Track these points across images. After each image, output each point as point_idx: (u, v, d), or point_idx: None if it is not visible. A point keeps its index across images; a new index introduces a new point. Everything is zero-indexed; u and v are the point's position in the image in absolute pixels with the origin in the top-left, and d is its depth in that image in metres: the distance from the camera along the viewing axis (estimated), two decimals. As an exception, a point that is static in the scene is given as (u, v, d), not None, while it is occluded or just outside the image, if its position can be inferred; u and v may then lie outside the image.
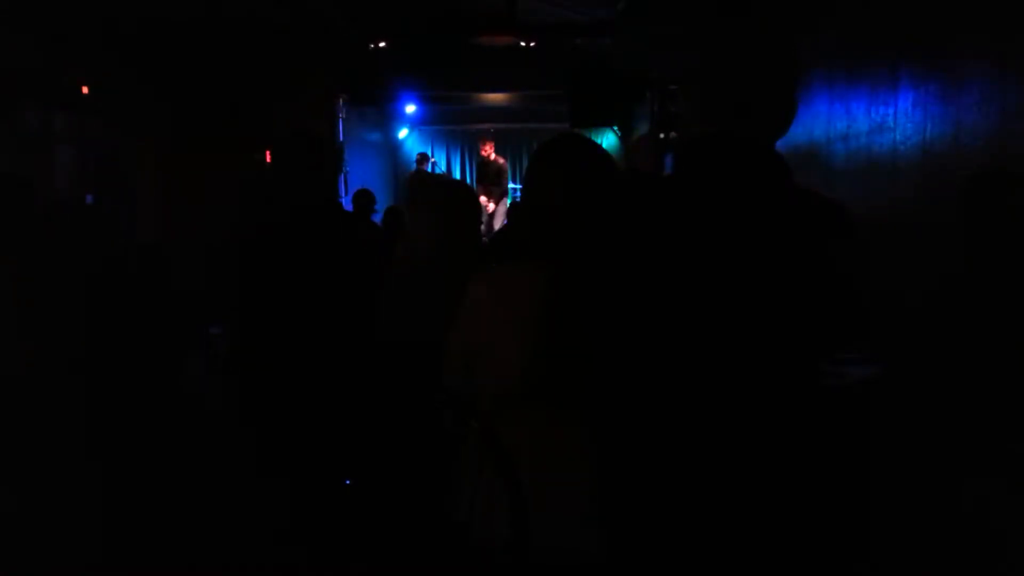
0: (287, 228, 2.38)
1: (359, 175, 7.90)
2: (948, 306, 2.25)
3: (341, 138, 7.53)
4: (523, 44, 7.34)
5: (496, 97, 8.61)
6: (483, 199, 8.20)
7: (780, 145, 1.29)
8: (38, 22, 3.20)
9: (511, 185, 8.84)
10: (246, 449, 2.31)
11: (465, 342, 1.55)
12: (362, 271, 2.36)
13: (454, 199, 2.22)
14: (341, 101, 7.49)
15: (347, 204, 6.31)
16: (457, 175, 10.51)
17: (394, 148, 10.15)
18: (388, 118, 9.48)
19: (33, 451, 2.40)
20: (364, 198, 6.13)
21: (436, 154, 10.26)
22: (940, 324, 2.26)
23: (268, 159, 5.78)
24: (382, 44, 7.23)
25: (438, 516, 1.65)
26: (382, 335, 2.14)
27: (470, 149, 10.53)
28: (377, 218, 6.14)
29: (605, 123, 7.44)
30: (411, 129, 10.12)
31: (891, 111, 2.64)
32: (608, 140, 7.80)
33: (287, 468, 2.18)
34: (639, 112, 6.75)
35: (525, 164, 2.55)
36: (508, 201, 8.52)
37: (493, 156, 8.65)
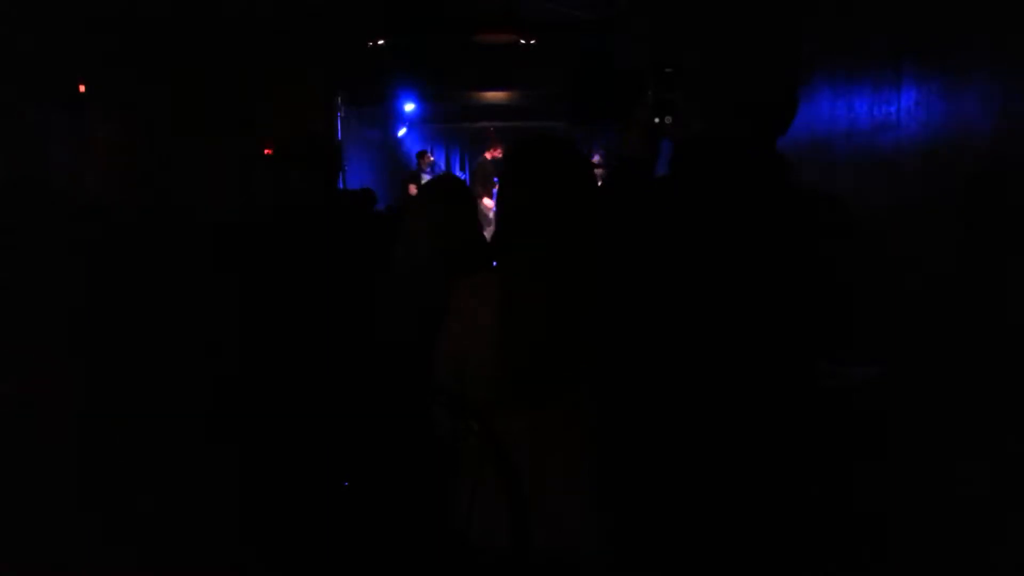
0: (286, 226, 2.37)
1: (358, 173, 7.87)
2: (948, 305, 2.25)
3: (340, 136, 7.51)
4: (523, 42, 7.32)
5: (496, 95, 8.59)
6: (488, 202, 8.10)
7: (782, 143, 1.28)
8: (36, 21, 3.19)
9: None
10: (242, 450, 2.30)
11: (449, 348, 1.55)
12: (362, 270, 2.36)
13: (453, 199, 2.21)
14: (340, 99, 7.47)
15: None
16: (457, 174, 10.49)
17: (393, 146, 10.13)
18: (387, 116, 9.46)
19: (28, 448, 2.40)
20: (362, 197, 6.12)
21: (435, 152, 10.24)
22: (940, 324, 2.26)
23: (267, 157, 5.77)
24: (381, 42, 7.21)
25: (437, 518, 1.65)
26: (381, 336, 2.13)
27: (470, 147, 10.50)
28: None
29: (605, 120, 7.43)
30: (410, 127, 10.11)
31: (894, 109, 2.63)
32: None
33: (283, 470, 2.17)
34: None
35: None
36: None
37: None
